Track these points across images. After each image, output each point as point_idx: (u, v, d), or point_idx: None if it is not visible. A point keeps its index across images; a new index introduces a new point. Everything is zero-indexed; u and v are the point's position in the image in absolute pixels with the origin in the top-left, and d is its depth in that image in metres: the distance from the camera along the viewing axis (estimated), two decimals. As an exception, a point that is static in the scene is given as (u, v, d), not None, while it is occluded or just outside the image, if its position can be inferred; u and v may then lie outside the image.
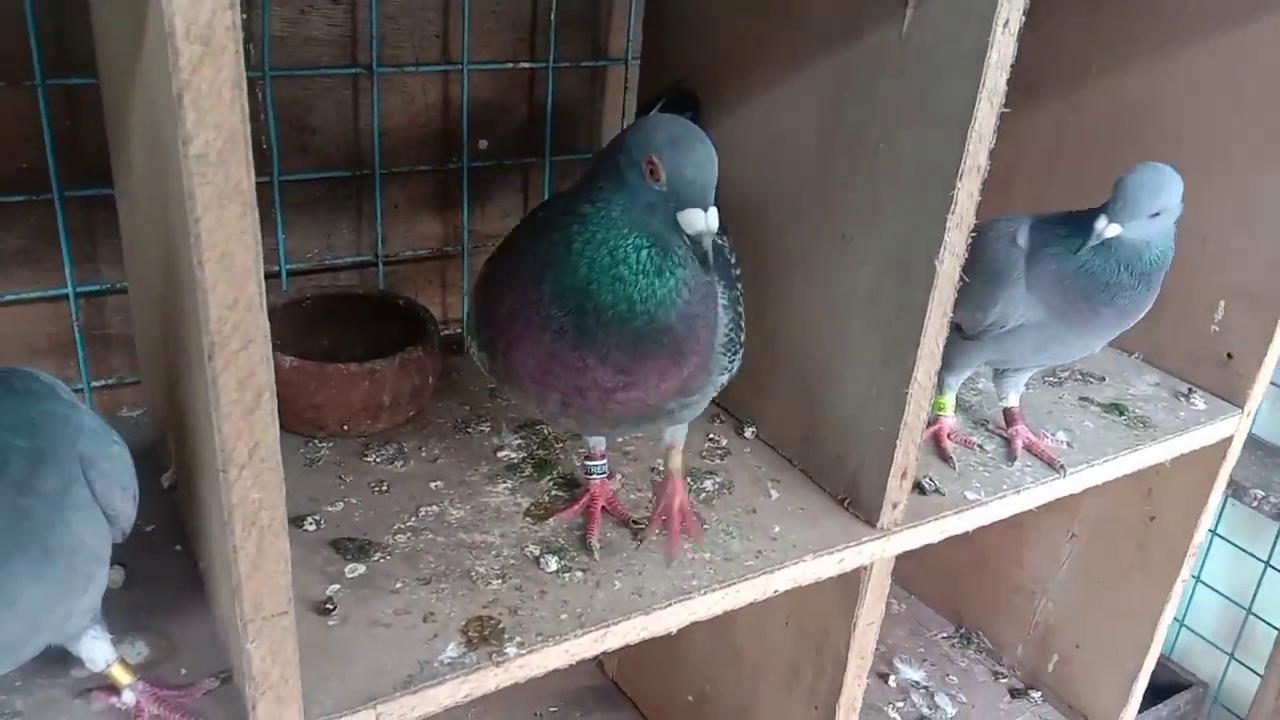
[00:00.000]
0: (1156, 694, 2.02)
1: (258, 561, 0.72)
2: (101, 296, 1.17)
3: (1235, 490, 1.80)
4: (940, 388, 1.21)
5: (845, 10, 0.98)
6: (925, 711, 1.63)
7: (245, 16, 1.11)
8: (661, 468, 1.09)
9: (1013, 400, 1.24)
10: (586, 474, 1.05)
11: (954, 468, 1.18)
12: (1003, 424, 1.24)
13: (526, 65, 1.32)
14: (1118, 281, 1.10)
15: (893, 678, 1.69)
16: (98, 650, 0.78)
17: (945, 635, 1.80)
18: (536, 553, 0.99)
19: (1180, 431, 1.28)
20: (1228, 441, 1.35)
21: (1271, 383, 1.91)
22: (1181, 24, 1.31)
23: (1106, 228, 1.07)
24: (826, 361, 1.07)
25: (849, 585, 1.10)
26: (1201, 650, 2.15)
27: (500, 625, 0.90)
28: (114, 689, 0.80)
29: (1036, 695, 1.67)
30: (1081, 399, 1.34)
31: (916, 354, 0.97)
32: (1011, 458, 1.20)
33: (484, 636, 0.89)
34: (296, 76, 1.20)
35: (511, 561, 0.98)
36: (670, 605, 0.95)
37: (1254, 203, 1.27)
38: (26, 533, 0.67)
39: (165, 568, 0.95)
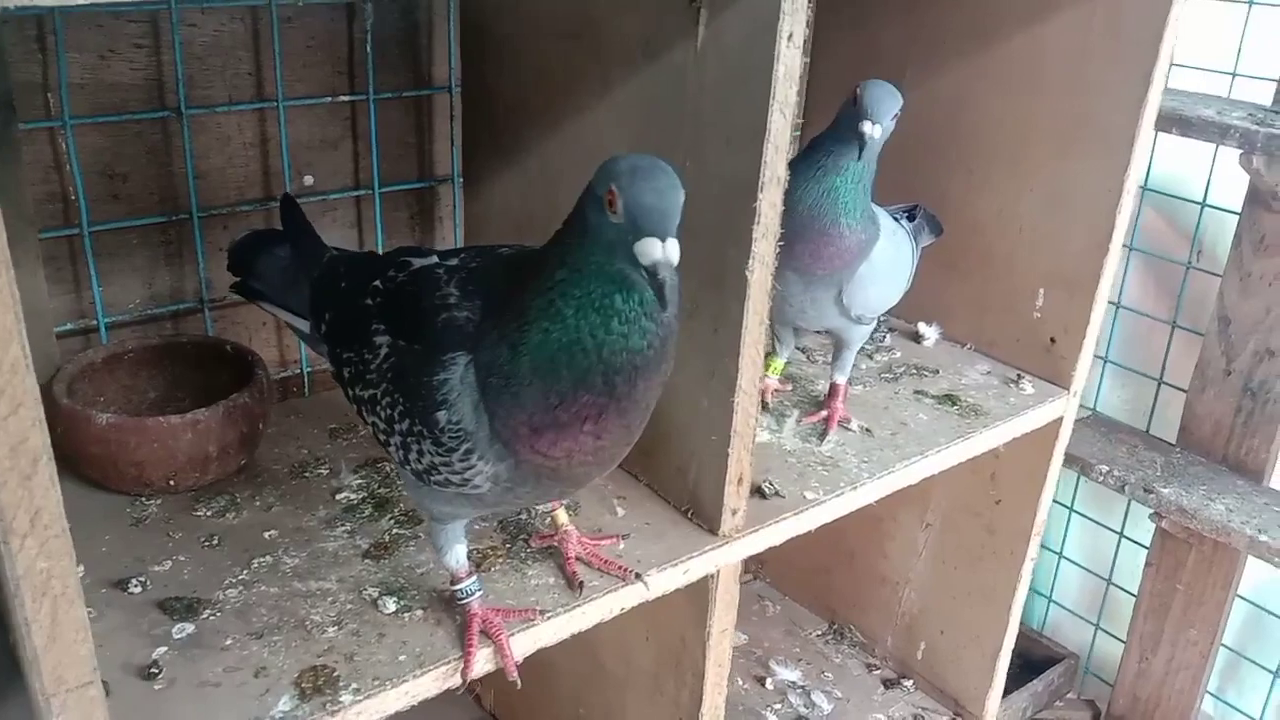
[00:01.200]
0: (1030, 669, 2.10)
1: (53, 632, 0.69)
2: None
3: (1082, 467, 1.87)
4: (773, 351, 1.34)
5: (643, 30, 0.99)
6: (803, 710, 1.65)
7: (42, 64, 1.09)
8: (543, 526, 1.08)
9: (838, 377, 1.30)
10: (462, 599, 0.94)
11: (771, 413, 1.29)
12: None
13: (346, 98, 1.31)
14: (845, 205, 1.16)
15: (769, 680, 1.71)
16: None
17: (819, 633, 1.84)
18: (375, 595, 0.97)
19: (1010, 417, 1.33)
20: (1058, 422, 1.40)
21: (1110, 361, 2.02)
22: (987, 23, 1.37)
23: (873, 129, 1.12)
24: (659, 376, 1.08)
25: (698, 595, 1.11)
26: (1070, 623, 2.23)
27: (335, 673, 0.88)
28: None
29: (909, 684, 1.72)
30: (916, 392, 1.38)
31: (739, 363, 0.98)
32: (821, 431, 1.28)
33: (318, 687, 0.87)
34: (101, 123, 1.16)
35: (349, 607, 0.96)
36: (514, 635, 0.95)
37: (1062, 191, 1.34)
38: None
39: (-25, 646, 0.90)
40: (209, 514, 1.08)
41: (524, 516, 1.10)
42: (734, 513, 1.07)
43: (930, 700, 1.69)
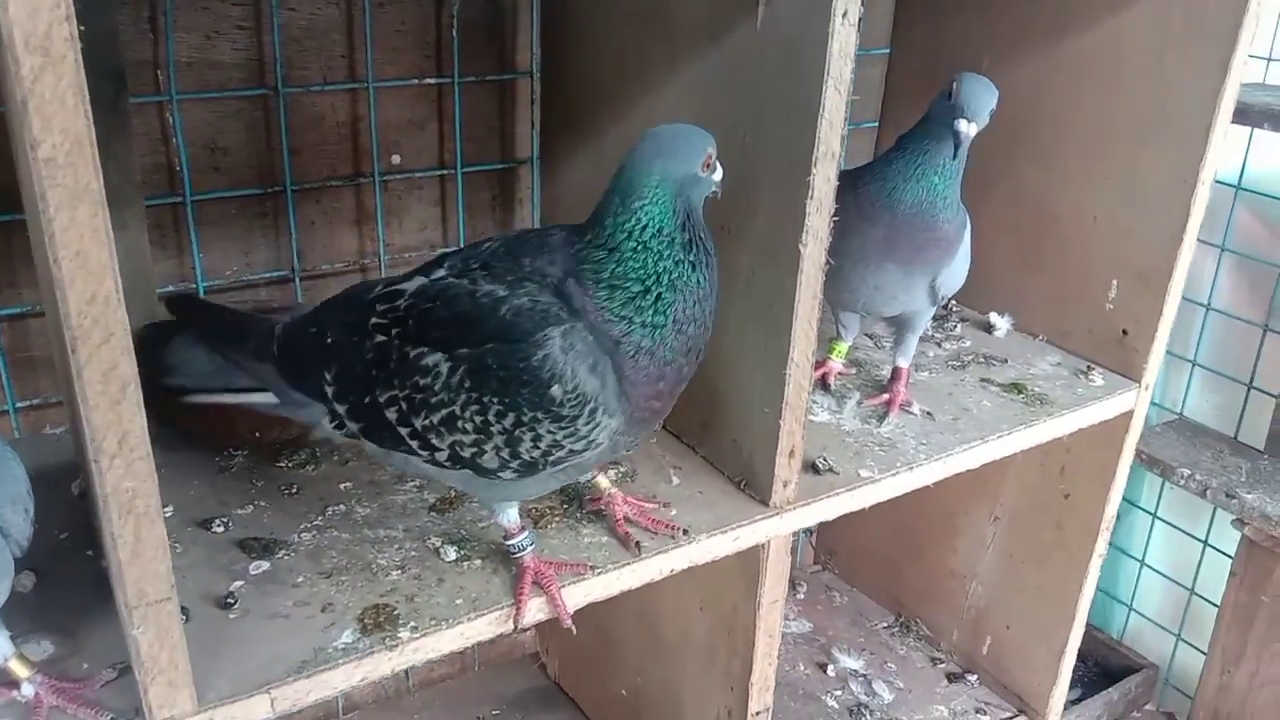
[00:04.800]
0: (1109, 677, 2.06)
1: (136, 548, 0.75)
2: (24, 319, 1.21)
3: (1163, 470, 1.84)
4: (838, 335, 1.37)
5: (708, 11, 1.03)
6: (863, 698, 1.66)
7: (152, 43, 1.18)
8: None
9: (901, 361, 1.32)
10: (515, 553, 0.98)
11: (833, 395, 1.32)
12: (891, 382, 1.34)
13: (432, 81, 1.37)
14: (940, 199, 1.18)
15: (831, 667, 1.72)
16: (-6, 646, 0.82)
17: (885, 625, 1.84)
18: (437, 544, 1.03)
19: (1076, 407, 1.33)
20: (1128, 416, 1.39)
21: (1198, 364, 1.97)
22: (1065, 14, 1.37)
23: (968, 127, 1.13)
24: (718, 349, 1.10)
25: (749, 565, 1.13)
26: (1151, 632, 2.18)
27: (396, 612, 0.94)
28: (14, 683, 0.83)
29: (973, 678, 1.71)
30: (982, 380, 1.38)
31: (791, 335, 1.01)
32: (882, 414, 1.30)
33: (379, 623, 0.93)
34: (205, 99, 1.24)
35: (412, 553, 1.02)
36: (565, 587, 0.99)
37: (1138, 183, 1.32)
38: None
39: (75, 571, 0.98)
40: (290, 465, 1.14)
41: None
42: (785, 485, 1.09)
43: (994, 696, 1.68)
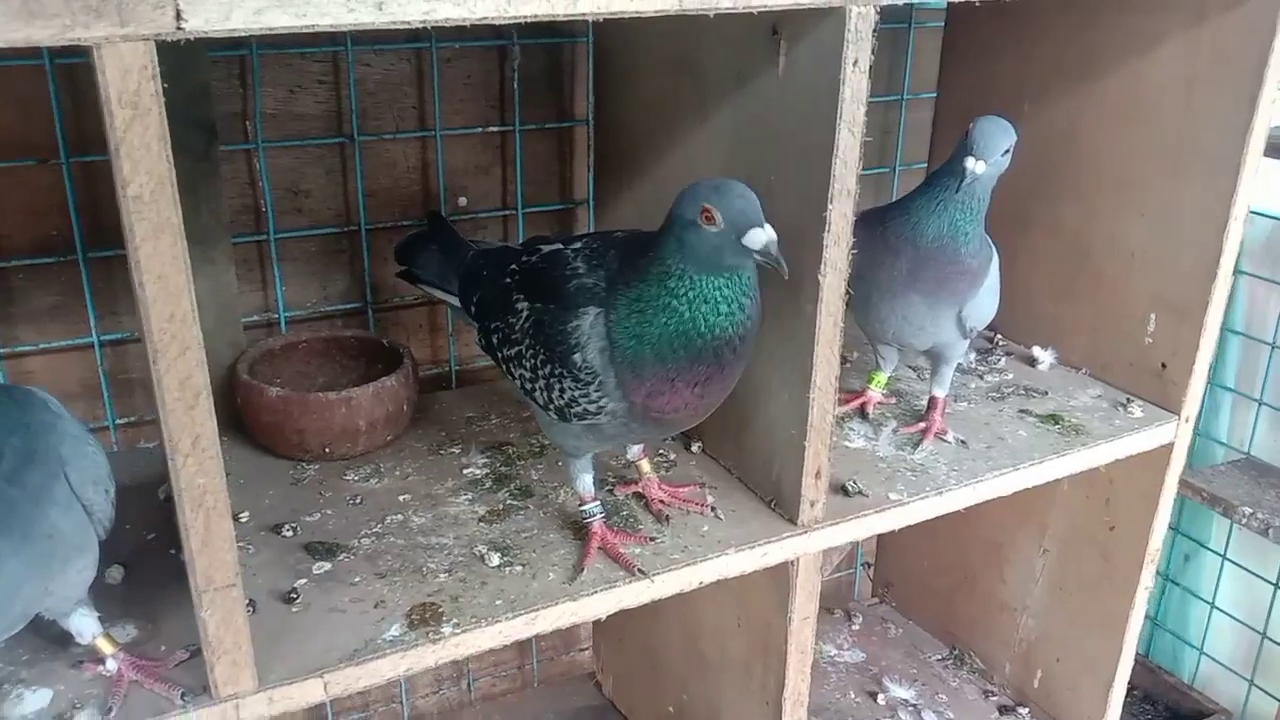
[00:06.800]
0: (1180, 723, 2.04)
1: (206, 539, 0.85)
2: (123, 345, 1.34)
3: (1225, 508, 1.83)
4: (878, 366, 1.43)
5: (735, 60, 1.11)
6: (911, 727, 1.68)
7: (242, 97, 1.31)
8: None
9: (937, 391, 1.36)
10: (586, 519, 1.13)
11: (870, 423, 1.38)
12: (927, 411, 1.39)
13: (496, 129, 1.48)
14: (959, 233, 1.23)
15: (881, 696, 1.74)
16: (84, 625, 0.92)
17: (939, 657, 1.86)
18: (484, 551, 1.11)
19: (1112, 438, 1.35)
20: (1169, 448, 1.40)
21: (1265, 404, 1.96)
22: (1096, 54, 1.41)
23: (975, 164, 1.19)
24: (750, 375, 1.17)
25: (780, 582, 1.19)
26: (1223, 677, 2.14)
27: (441, 610, 1.02)
28: (100, 659, 0.93)
29: (1024, 712, 1.72)
30: (1021, 411, 1.42)
31: (813, 361, 1.07)
32: (917, 441, 1.34)
33: (424, 619, 1.01)
34: (288, 147, 1.37)
35: (460, 559, 1.10)
36: (596, 593, 1.06)
37: (1171, 216, 1.35)
38: (10, 518, 0.81)
39: (160, 567, 1.09)
40: (356, 479, 1.25)
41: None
42: (812, 504, 1.15)
43: (1044, 729, 1.68)
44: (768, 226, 0.94)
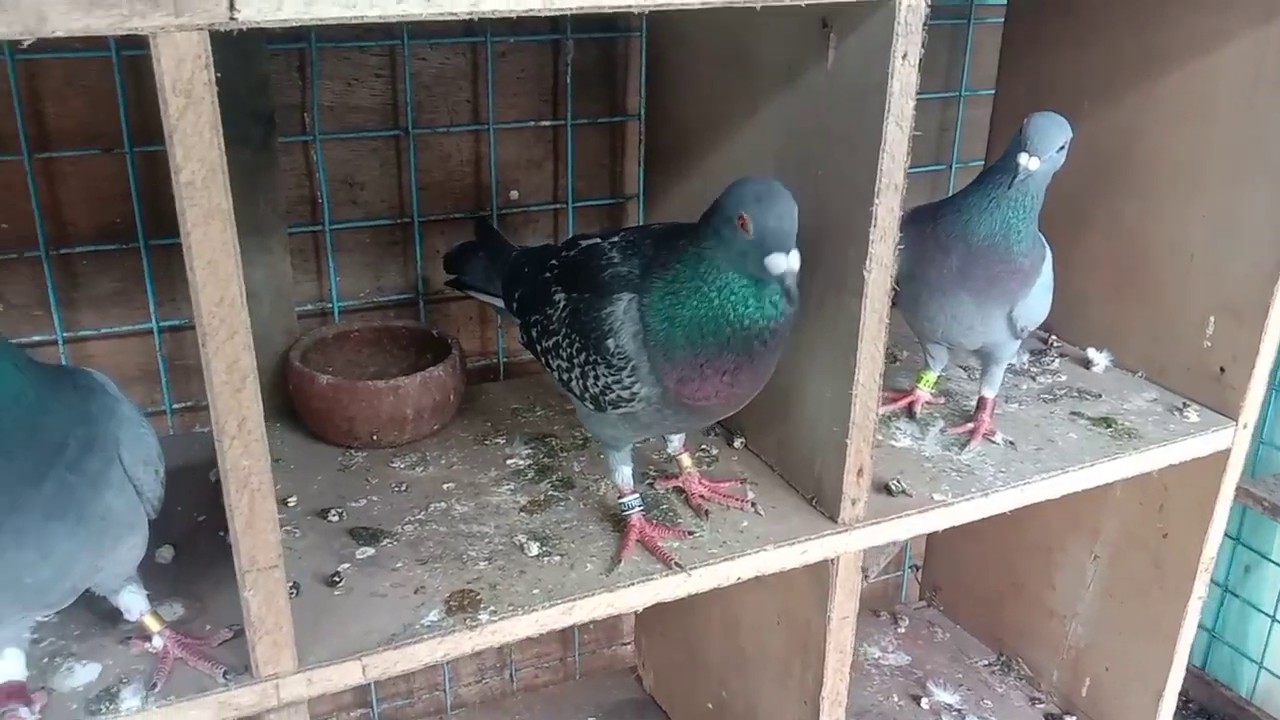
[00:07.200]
0: (1237, 739, 1.98)
1: (250, 520, 0.87)
2: (181, 331, 1.38)
3: (1271, 510, 1.78)
4: (926, 365, 1.41)
5: (785, 54, 1.10)
6: (955, 731, 1.66)
7: (300, 89, 1.33)
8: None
9: (987, 391, 1.34)
10: (625, 511, 1.13)
11: (918, 422, 1.36)
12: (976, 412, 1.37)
13: (548, 124, 1.49)
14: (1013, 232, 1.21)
15: (925, 700, 1.73)
16: (133, 602, 0.95)
17: (986, 663, 1.83)
18: (523, 540, 1.12)
19: (1165, 442, 1.32)
20: (1225, 454, 1.37)
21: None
22: (1160, 52, 1.38)
23: (1029, 160, 1.16)
24: (793, 371, 1.17)
25: (820, 580, 1.18)
26: (1284, 693, 2.09)
27: (479, 597, 1.03)
28: (147, 636, 0.96)
29: (1071, 720, 1.69)
30: (1073, 414, 1.39)
31: (856, 358, 1.07)
32: (964, 442, 1.32)
33: (463, 606, 1.02)
34: (345, 139, 1.39)
35: (500, 547, 1.11)
36: (633, 585, 1.07)
37: (1232, 219, 1.32)
38: (68, 503, 0.83)
39: (208, 548, 1.11)
40: (403, 466, 1.26)
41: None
42: (854, 503, 1.14)
43: (1092, 738, 1.65)
44: (794, 254, 0.93)
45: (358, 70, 1.38)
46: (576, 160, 1.51)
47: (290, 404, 1.31)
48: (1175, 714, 1.58)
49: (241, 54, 1.21)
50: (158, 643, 0.95)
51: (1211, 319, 1.37)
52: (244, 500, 0.86)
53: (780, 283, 0.94)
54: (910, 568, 2.04)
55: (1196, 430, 1.35)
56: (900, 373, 1.49)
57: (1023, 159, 1.18)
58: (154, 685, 0.92)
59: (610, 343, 1.01)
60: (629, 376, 1.01)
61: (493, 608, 1.02)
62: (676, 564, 1.08)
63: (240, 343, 0.82)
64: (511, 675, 1.75)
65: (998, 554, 1.80)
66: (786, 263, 0.93)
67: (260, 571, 0.89)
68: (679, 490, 1.21)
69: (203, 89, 0.75)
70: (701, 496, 1.19)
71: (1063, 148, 1.18)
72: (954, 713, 1.70)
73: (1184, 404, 1.40)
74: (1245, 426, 1.37)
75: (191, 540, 1.13)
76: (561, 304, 1.07)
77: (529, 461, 1.28)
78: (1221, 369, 1.37)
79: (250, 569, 0.89)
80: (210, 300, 0.80)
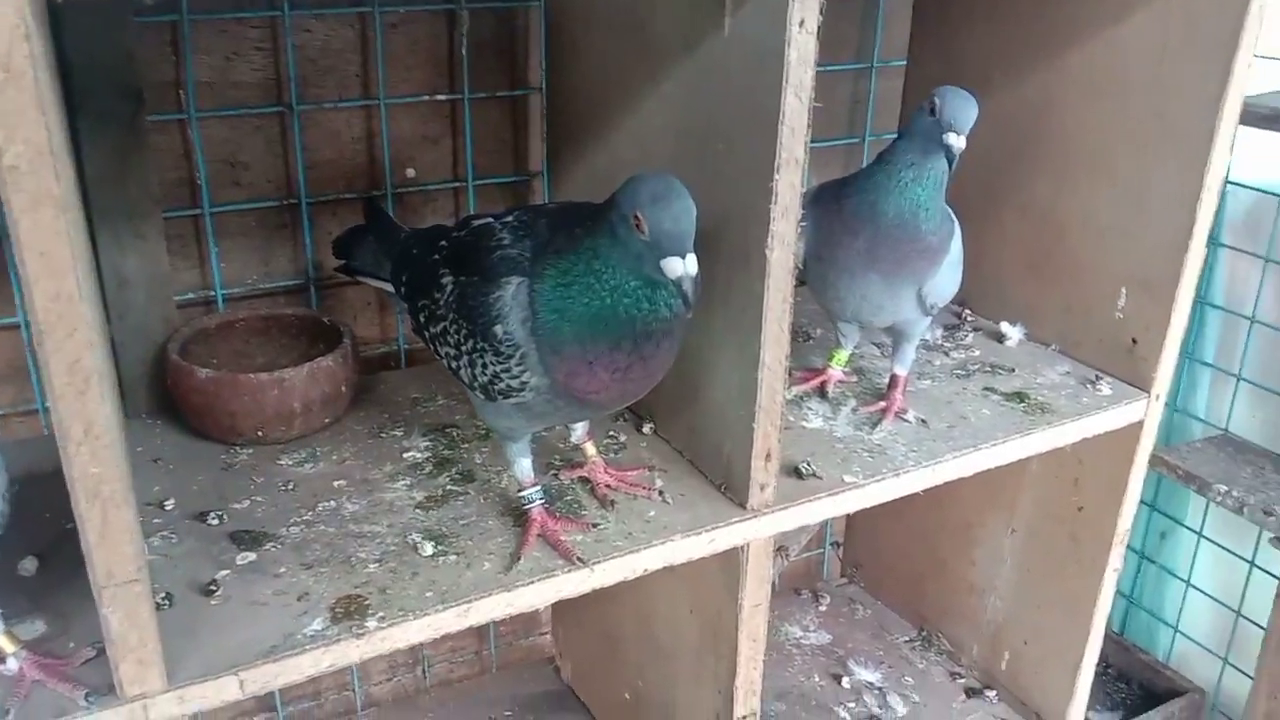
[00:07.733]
0: (1153, 701, 2.01)
1: (104, 531, 0.80)
2: (53, 324, 1.29)
3: (1200, 486, 1.79)
4: (838, 344, 1.38)
5: (681, 25, 1.05)
6: (876, 711, 1.65)
7: (174, 64, 1.25)
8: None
9: (898, 369, 1.32)
10: (525, 505, 1.08)
11: (829, 402, 1.34)
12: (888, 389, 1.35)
13: (444, 98, 1.42)
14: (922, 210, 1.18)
15: (846, 679, 1.71)
16: (-17, 623, 0.88)
17: (907, 639, 1.82)
18: (417, 540, 1.06)
19: (1078, 416, 1.31)
20: (1138, 426, 1.36)
21: (1243, 379, 1.92)
22: (1066, 27, 1.36)
23: (959, 140, 1.14)
24: (701, 354, 1.13)
25: (730, 568, 1.15)
26: (1198, 656, 2.12)
27: (367, 602, 0.98)
28: (1, 658, 0.88)
29: (991, 694, 1.68)
30: (985, 389, 1.37)
31: (761, 340, 1.02)
32: (876, 421, 1.30)
33: (349, 612, 0.96)
34: (225, 117, 1.31)
35: (392, 548, 1.06)
36: (533, 583, 1.02)
37: (1143, 191, 1.31)
38: None
39: (76, 558, 1.01)
40: (290, 463, 1.20)
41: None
42: (763, 488, 1.10)
43: (1011, 712, 1.65)
44: (690, 258, 0.89)
45: (237, 44, 1.29)
46: (476, 136, 1.45)
47: (170, 399, 1.23)
48: (1094, 680, 1.59)
49: (104, 26, 1.13)
50: (12, 665, 0.88)
51: (1123, 291, 1.35)
52: (95, 511, 0.79)
53: (678, 287, 0.90)
54: (831, 544, 2.02)
55: (1109, 403, 1.34)
56: (814, 351, 1.46)
57: (952, 139, 1.14)
58: (7, 712, 0.85)
59: (498, 329, 0.96)
60: (517, 365, 0.97)
61: (382, 613, 0.96)
62: (578, 559, 1.04)
63: (82, 340, 0.75)
64: (425, 671, 1.69)
65: (918, 530, 1.78)
66: (683, 267, 0.89)
67: (119, 587, 0.82)
68: (584, 480, 1.17)
69: (23, 61, 0.68)
70: (607, 486, 1.15)
71: (973, 123, 1.15)
72: (875, 691, 1.69)
73: (1096, 376, 1.39)
74: (1158, 398, 1.36)
75: (58, 550, 1.05)
76: (449, 287, 1.02)
77: (427, 454, 1.22)
78: (1133, 340, 1.36)
79: (107, 584, 0.82)
80: (45, 295, 0.73)
